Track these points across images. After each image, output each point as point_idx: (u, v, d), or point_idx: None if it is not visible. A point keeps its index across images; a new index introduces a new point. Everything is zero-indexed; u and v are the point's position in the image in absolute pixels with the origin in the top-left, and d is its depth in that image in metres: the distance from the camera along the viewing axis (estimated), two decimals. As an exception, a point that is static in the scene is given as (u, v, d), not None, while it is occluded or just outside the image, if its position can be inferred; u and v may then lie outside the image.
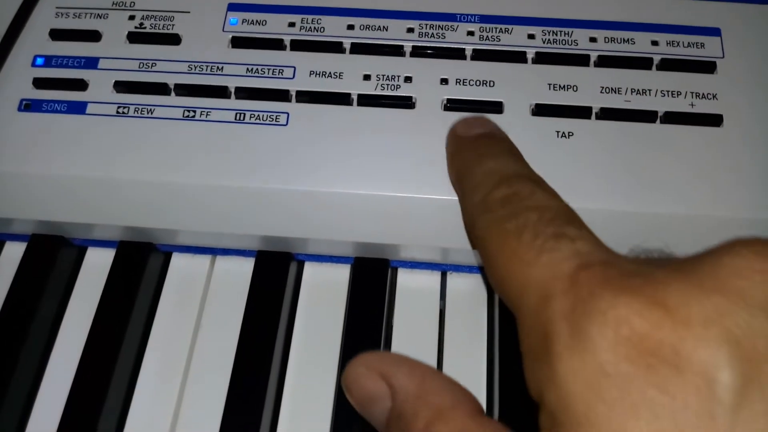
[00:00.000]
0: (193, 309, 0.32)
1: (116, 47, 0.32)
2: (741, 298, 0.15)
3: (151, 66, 0.32)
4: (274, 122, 0.30)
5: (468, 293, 0.32)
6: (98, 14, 0.33)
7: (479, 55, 0.31)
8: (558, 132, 0.30)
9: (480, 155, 0.26)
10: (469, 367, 0.30)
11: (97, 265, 0.33)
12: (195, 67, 0.32)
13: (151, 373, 0.31)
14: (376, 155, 0.29)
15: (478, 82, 0.31)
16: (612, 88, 0.30)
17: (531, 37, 0.32)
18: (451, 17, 0.32)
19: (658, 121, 0.30)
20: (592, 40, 0.31)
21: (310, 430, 0.29)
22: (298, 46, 0.32)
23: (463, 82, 0.31)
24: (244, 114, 0.31)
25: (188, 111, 0.31)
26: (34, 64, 0.32)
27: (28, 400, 0.30)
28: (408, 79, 0.31)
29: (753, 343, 0.15)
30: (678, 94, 0.30)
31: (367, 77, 0.31)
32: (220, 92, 0.31)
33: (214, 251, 0.33)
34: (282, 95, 0.31)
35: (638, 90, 0.30)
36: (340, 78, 0.31)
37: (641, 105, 0.30)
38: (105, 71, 0.32)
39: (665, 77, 0.31)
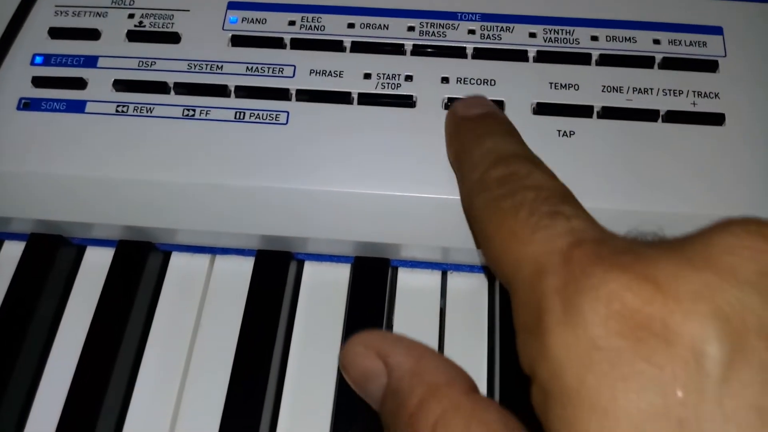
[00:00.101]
0: (192, 308, 0.32)
1: (115, 46, 0.32)
2: (731, 274, 0.15)
3: (151, 64, 0.32)
4: (274, 121, 0.30)
5: (468, 292, 0.32)
6: (97, 12, 0.33)
7: (480, 54, 0.31)
8: (559, 131, 0.30)
9: (478, 135, 0.26)
10: (470, 366, 0.29)
11: (96, 264, 0.33)
12: (194, 66, 0.31)
13: (151, 372, 0.30)
14: (376, 154, 0.29)
15: (479, 81, 0.31)
16: (613, 87, 0.30)
17: (532, 35, 0.32)
18: (452, 16, 0.32)
19: (660, 120, 0.30)
20: (594, 38, 0.31)
21: (310, 430, 0.29)
22: (298, 44, 0.32)
23: (464, 80, 0.31)
24: (244, 113, 0.30)
25: (188, 110, 0.31)
26: (33, 63, 0.32)
27: (27, 400, 0.30)
28: (408, 78, 0.31)
29: (742, 318, 0.15)
30: (680, 93, 0.30)
31: (367, 76, 0.31)
32: (220, 91, 0.31)
33: (213, 250, 0.33)
34: (282, 94, 0.31)
35: (640, 89, 0.30)
36: (340, 77, 0.31)
37: (643, 104, 0.30)
38: (104, 70, 0.32)
39: (667, 76, 0.30)
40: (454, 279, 0.32)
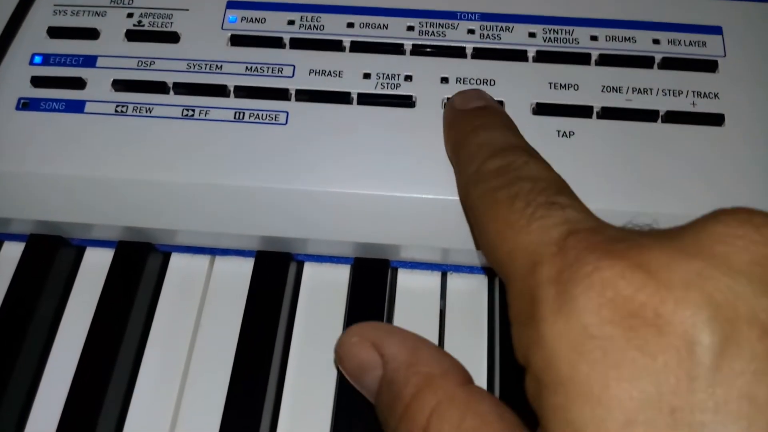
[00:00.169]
0: (192, 309, 0.32)
1: (115, 45, 0.32)
2: (723, 263, 0.16)
3: (150, 64, 0.32)
4: (273, 121, 0.30)
5: (468, 293, 0.32)
6: (96, 12, 0.33)
7: (480, 54, 0.31)
8: (559, 131, 0.30)
9: (476, 127, 0.26)
10: (470, 367, 0.29)
11: (95, 265, 0.33)
12: (194, 66, 0.31)
13: (151, 373, 0.30)
14: (376, 154, 0.29)
15: (478, 81, 0.31)
16: (613, 87, 0.30)
17: (532, 35, 0.31)
18: (451, 15, 0.32)
19: (660, 120, 0.30)
20: (593, 38, 0.31)
21: (310, 431, 0.29)
22: (297, 44, 0.32)
23: (464, 80, 0.31)
24: (244, 113, 0.30)
25: (187, 110, 0.31)
26: (32, 63, 0.32)
27: (27, 401, 0.30)
28: (408, 78, 0.31)
29: (734, 307, 0.15)
30: (679, 94, 0.30)
31: (367, 76, 0.31)
32: (219, 91, 0.31)
33: (213, 251, 0.33)
34: (281, 94, 0.31)
35: (639, 89, 0.30)
36: (339, 77, 0.31)
37: (642, 104, 0.30)
38: (103, 69, 0.32)
39: (667, 76, 0.30)
40: (454, 280, 0.32)
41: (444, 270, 0.32)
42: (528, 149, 0.24)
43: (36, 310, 0.31)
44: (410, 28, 0.32)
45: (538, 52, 0.31)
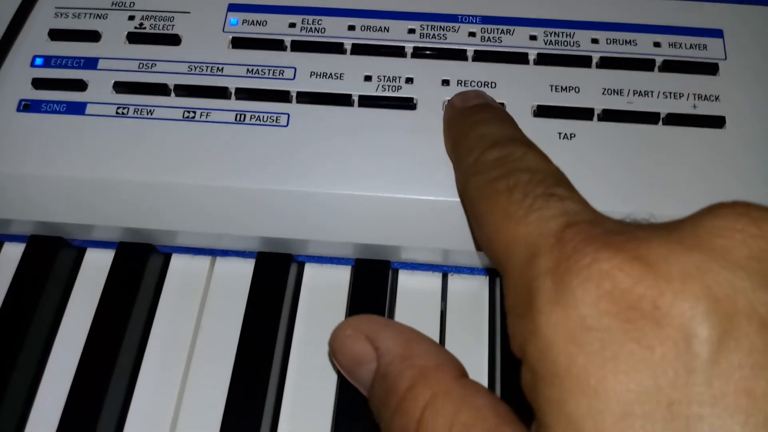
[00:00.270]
0: (192, 311, 0.32)
1: (116, 47, 0.32)
2: (721, 256, 0.15)
3: (151, 66, 0.32)
4: (274, 123, 0.30)
5: (469, 295, 0.32)
6: (98, 14, 0.33)
7: (481, 56, 0.31)
8: (560, 133, 0.30)
9: (475, 122, 0.26)
10: (470, 368, 0.29)
11: (96, 266, 0.33)
12: (195, 68, 0.31)
13: (151, 374, 0.30)
14: (376, 156, 0.29)
15: (479, 83, 0.31)
16: (614, 90, 0.30)
17: (533, 38, 0.32)
18: (452, 18, 0.32)
19: (660, 122, 0.30)
20: (594, 41, 0.31)
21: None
22: (298, 46, 0.32)
23: (465, 83, 0.31)
24: (245, 115, 0.30)
25: (188, 112, 0.31)
26: (33, 65, 0.32)
27: (27, 402, 0.30)
28: (409, 80, 0.31)
29: (732, 300, 0.15)
30: (680, 96, 0.30)
31: (368, 78, 0.31)
32: (221, 93, 0.31)
33: (213, 252, 0.33)
34: (282, 96, 0.31)
35: (640, 91, 0.30)
36: (340, 79, 0.31)
37: (643, 106, 0.30)
38: (104, 72, 0.32)
39: (667, 79, 0.31)
40: (455, 281, 0.32)
41: (445, 271, 0.32)
42: (527, 141, 0.24)
43: (36, 311, 0.31)
44: (411, 31, 0.32)
45: (539, 54, 0.31)
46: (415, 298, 0.32)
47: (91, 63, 0.32)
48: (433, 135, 0.29)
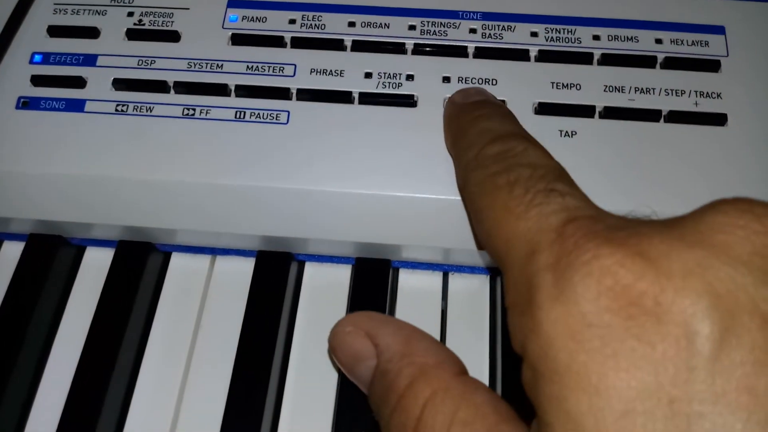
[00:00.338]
0: (192, 309, 0.32)
1: (115, 44, 0.32)
2: (723, 252, 0.15)
3: (150, 63, 0.31)
4: (274, 120, 0.30)
5: (470, 294, 0.31)
6: (97, 11, 0.33)
7: (482, 53, 0.31)
8: (561, 131, 0.29)
9: (475, 117, 0.26)
10: (471, 368, 0.29)
11: (95, 264, 0.33)
12: (194, 65, 0.31)
13: (151, 373, 0.30)
14: (377, 154, 0.29)
15: (480, 81, 0.30)
16: (615, 87, 0.30)
17: (534, 35, 0.31)
18: (453, 14, 0.32)
19: (662, 120, 0.30)
20: (596, 38, 0.31)
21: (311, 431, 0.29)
22: (298, 43, 0.32)
23: (466, 80, 0.31)
24: (245, 112, 0.30)
25: (188, 109, 0.30)
26: (31, 62, 0.32)
27: (27, 401, 0.30)
28: (410, 77, 0.31)
29: (734, 297, 0.15)
30: (682, 93, 0.30)
31: (368, 75, 0.31)
32: (220, 90, 0.31)
33: (213, 251, 0.33)
34: (282, 93, 0.31)
35: (642, 89, 0.30)
36: (341, 76, 0.31)
37: (645, 104, 0.30)
38: (103, 68, 0.31)
39: (669, 76, 0.30)
40: (456, 280, 0.32)
41: (446, 270, 0.32)
42: (527, 136, 0.24)
43: (36, 309, 0.31)
44: (412, 28, 0.32)
45: (540, 51, 0.31)
46: (415, 297, 0.31)
47: (90, 60, 0.32)
48: (434, 132, 0.29)
